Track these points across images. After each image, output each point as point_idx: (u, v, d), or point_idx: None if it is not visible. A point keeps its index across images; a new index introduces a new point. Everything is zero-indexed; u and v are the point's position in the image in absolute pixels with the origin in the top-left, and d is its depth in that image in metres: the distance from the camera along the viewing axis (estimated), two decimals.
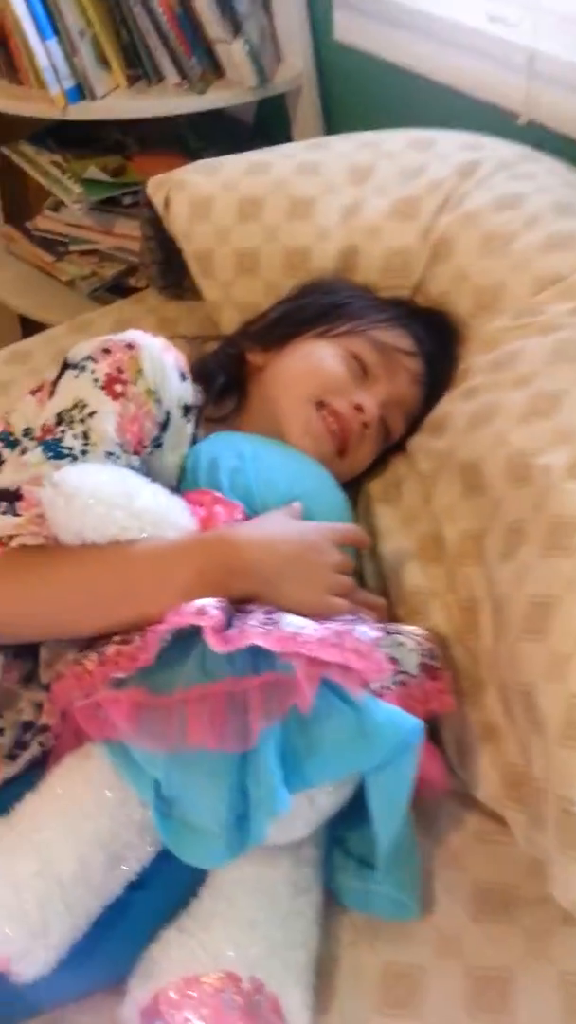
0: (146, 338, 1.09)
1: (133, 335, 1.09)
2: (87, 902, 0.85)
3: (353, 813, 0.92)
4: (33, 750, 0.99)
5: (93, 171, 1.94)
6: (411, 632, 0.99)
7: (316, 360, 1.22)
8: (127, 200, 1.93)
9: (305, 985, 0.87)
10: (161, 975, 0.85)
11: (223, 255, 1.43)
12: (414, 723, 0.87)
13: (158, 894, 0.91)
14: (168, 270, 1.59)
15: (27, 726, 1.01)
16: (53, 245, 2.03)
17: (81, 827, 0.85)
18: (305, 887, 0.92)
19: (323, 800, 0.89)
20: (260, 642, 0.84)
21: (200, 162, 1.51)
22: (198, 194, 1.45)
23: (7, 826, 0.86)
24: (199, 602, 0.89)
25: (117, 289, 1.96)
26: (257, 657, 0.86)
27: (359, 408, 1.20)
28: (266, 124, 2.07)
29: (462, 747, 1.03)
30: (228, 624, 0.88)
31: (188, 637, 0.88)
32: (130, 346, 1.07)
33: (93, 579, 0.95)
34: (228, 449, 1.11)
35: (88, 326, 1.60)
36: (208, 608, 0.88)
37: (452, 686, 1.00)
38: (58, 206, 2.01)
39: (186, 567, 0.95)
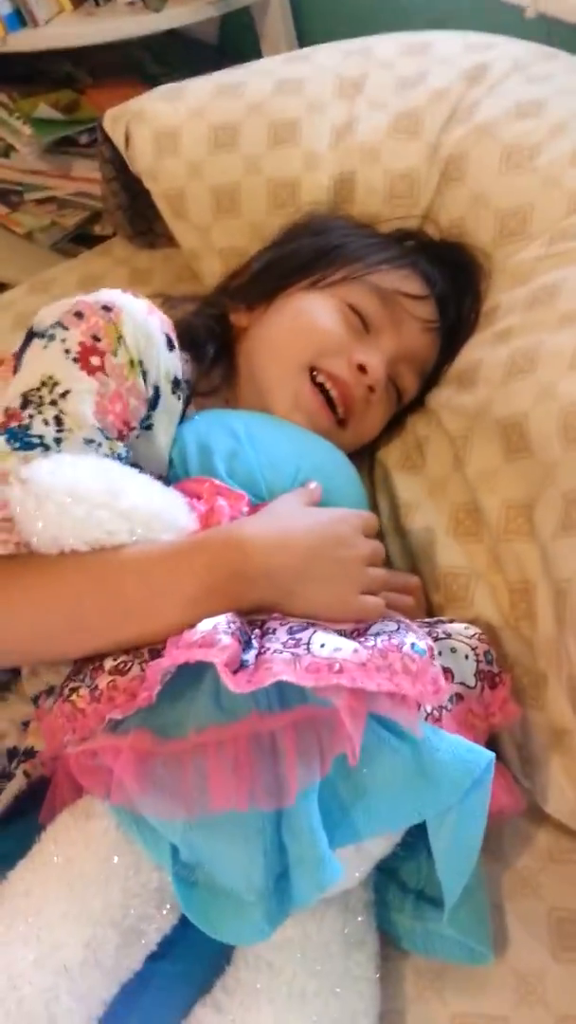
0: (126, 299, 0.91)
1: (110, 295, 0.91)
2: (100, 989, 0.72)
3: (406, 839, 0.80)
4: (18, 781, 0.84)
5: (43, 109, 1.76)
6: (462, 633, 0.84)
7: (306, 317, 1.04)
8: (84, 139, 1.76)
9: None
10: None
11: (197, 194, 1.24)
12: (486, 758, 0.72)
13: (184, 962, 0.77)
14: (136, 215, 1.41)
15: (11, 754, 0.86)
16: (6, 195, 1.85)
17: (87, 904, 0.71)
18: (359, 940, 0.78)
19: (374, 847, 0.76)
20: (288, 677, 0.69)
21: (161, 88, 1.31)
22: (162, 125, 1.26)
23: None
24: (206, 625, 0.74)
25: (82, 239, 1.79)
26: (284, 686, 0.70)
27: (362, 369, 1.03)
28: (232, 43, 1.89)
29: (526, 755, 0.89)
30: (245, 648, 0.73)
31: (197, 663, 0.73)
32: (107, 308, 0.89)
33: (76, 596, 0.79)
34: (218, 429, 0.95)
35: (50, 285, 1.42)
36: (218, 636, 0.72)
37: (512, 687, 0.85)
38: (8, 151, 1.82)
39: (189, 576, 0.79)
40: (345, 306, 1.05)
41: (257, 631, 0.77)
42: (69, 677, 0.81)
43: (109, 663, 0.77)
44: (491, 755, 0.72)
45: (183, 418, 0.98)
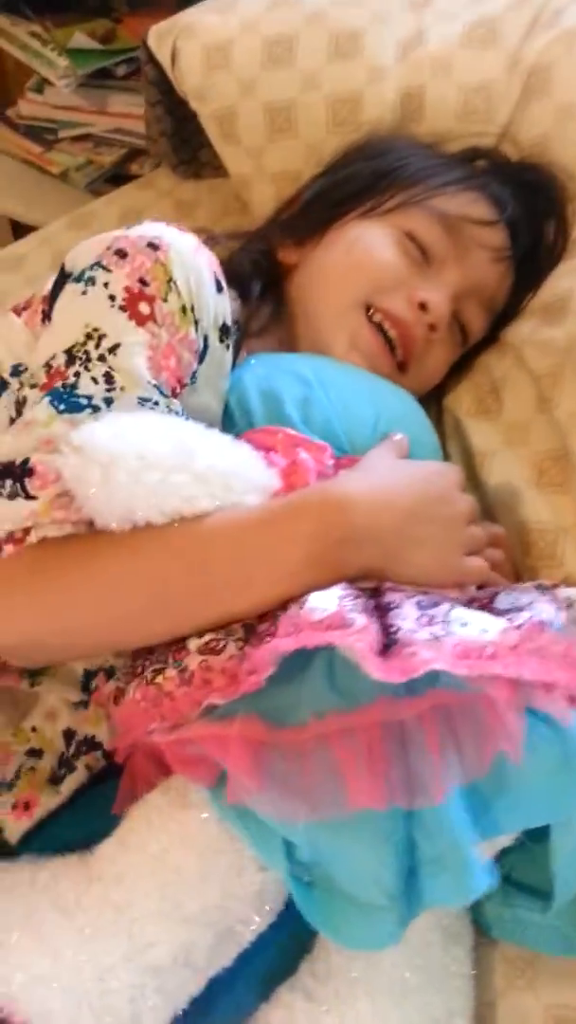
0: (172, 233, 0.80)
1: (155, 230, 0.80)
2: (190, 986, 0.66)
3: None
4: (79, 775, 0.76)
5: (79, 39, 1.65)
6: None
7: (360, 250, 0.94)
8: (121, 70, 1.65)
9: None
10: None
11: (249, 113, 1.13)
12: None
13: (264, 937, 0.69)
14: (181, 142, 1.31)
15: (68, 735, 0.78)
16: (40, 133, 1.74)
17: (183, 905, 0.64)
18: (456, 933, 0.71)
19: (503, 839, 0.68)
20: (442, 665, 0.59)
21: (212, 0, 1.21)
22: (213, 39, 1.15)
23: (85, 875, 0.65)
24: (327, 600, 0.64)
25: (118, 179, 1.68)
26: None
27: (422, 306, 0.92)
28: None
29: None
30: None
31: None
32: (153, 246, 0.78)
33: (159, 576, 0.70)
34: (284, 375, 0.85)
35: (89, 220, 1.32)
36: (347, 613, 0.62)
37: None
38: (42, 86, 1.72)
39: (287, 544, 0.70)
40: (403, 235, 0.94)
41: (370, 602, 0.67)
42: (145, 658, 0.71)
43: (195, 641, 0.68)
44: None
45: (235, 364, 0.88)
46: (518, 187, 1.00)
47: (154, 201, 1.33)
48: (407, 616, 0.64)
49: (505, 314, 1.00)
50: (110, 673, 0.78)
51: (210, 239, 1.03)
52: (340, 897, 0.63)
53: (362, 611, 0.64)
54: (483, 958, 0.73)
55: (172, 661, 0.68)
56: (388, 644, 0.61)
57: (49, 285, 0.82)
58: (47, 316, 0.81)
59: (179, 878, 0.64)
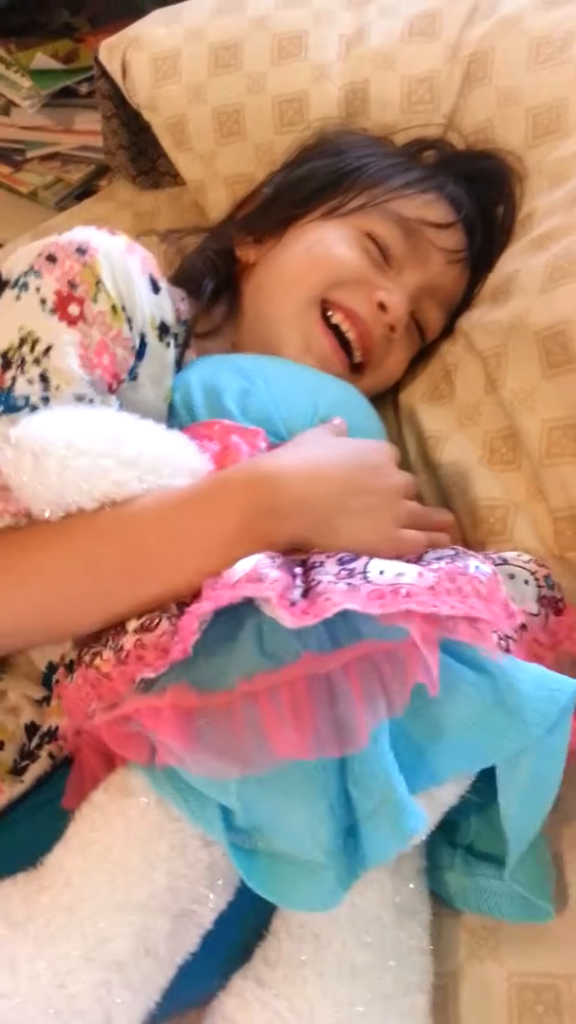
0: (101, 237, 0.81)
1: (84, 234, 0.81)
2: (157, 977, 0.65)
3: None
4: (43, 763, 0.77)
5: (42, 59, 1.67)
6: (518, 559, 0.75)
7: (322, 247, 0.94)
8: (84, 88, 1.66)
9: None
10: None
11: (199, 118, 1.15)
12: (571, 687, 0.63)
13: (218, 926, 0.68)
14: (138, 154, 1.32)
15: (31, 729, 0.79)
16: (9, 155, 1.76)
17: (132, 895, 0.63)
18: (411, 908, 0.69)
19: (445, 793, 0.67)
20: (353, 605, 0.60)
21: (158, 11, 1.23)
22: (160, 49, 1.17)
23: (35, 887, 0.64)
24: (246, 563, 0.66)
25: (87, 196, 1.69)
26: (333, 623, 0.62)
27: (381, 306, 0.93)
28: None
29: None
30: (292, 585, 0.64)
31: (230, 610, 0.65)
32: (81, 250, 0.79)
33: (93, 559, 0.71)
34: (226, 370, 0.87)
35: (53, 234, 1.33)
36: (263, 570, 0.64)
37: None
38: (8, 108, 1.74)
39: (214, 520, 0.71)
40: (364, 235, 0.95)
41: (299, 568, 0.68)
42: (88, 644, 0.73)
43: (133, 623, 0.69)
44: (574, 683, 0.64)
45: (181, 364, 0.89)
46: (469, 178, 1.00)
47: (114, 212, 1.34)
48: (328, 571, 0.65)
49: (460, 305, 1.00)
50: (70, 667, 0.78)
51: (168, 236, 1.04)
52: (281, 860, 0.63)
53: (279, 568, 0.64)
54: (446, 930, 0.72)
55: (110, 643, 0.68)
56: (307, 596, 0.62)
57: None
58: None
59: (124, 868, 0.64)
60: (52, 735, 0.77)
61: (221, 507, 0.71)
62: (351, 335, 0.93)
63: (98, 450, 0.70)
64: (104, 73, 1.25)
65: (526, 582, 0.73)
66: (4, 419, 0.74)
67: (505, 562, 0.74)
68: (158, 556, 0.70)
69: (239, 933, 0.69)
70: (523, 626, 0.71)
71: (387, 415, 1.01)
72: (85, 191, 1.71)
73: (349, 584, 0.62)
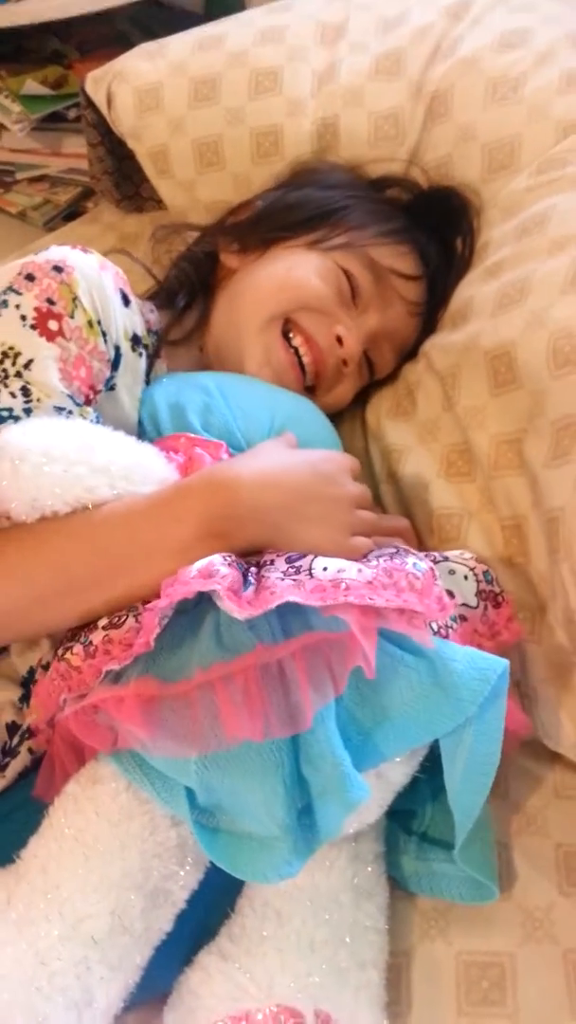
0: (76, 256, 0.87)
1: (60, 253, 0.87)
2: (133, 954, 0.70)
3: (411, 782, 0.77)
4: (23, 758, 0.82)
5: (31, 85, 1.73)
6: (459, 557, 0.82)
7: (300, 272, 1.01)
8: (73, 113, 1.72)
9: (379, 1009, 0.72)
10: (204, 1012, 0.70)
11: (180, 149, 1.21)
12: (500, 665, 0.70)
13: (187, 906, 0.74)
14: (123, 179, 1.39)
15: (12, 728, 0.83)
16: None
17: (105, 874, 0.69)
18: (368, 890, 0.76)
19: (394, 773, 0.73)
20: (294, 597, 0.66)
21: (142, 46, 1.29)
22: (144, 82, 1.23)
23: (13, 878, 0.70)
24: (202, 562, 0.71)
25: (74, 217, 1.75)
26: (287, 618, 0.68)
27: (339, 340, 1.00)
28: (218, 12, 1.83)
29: (526, 690, 0.85)
30: (244, 582, 0.70)
31: (192, 609, 0.71)
32: (58, 268, 0.85)
33: (62, 560, 0.76)
34: (188, 387, 0.93)
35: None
36: (216, 567, 0.70)
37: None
38: None
39: (175, 524, 0.77)
40: (340, 271, 1.02)
41: (253, 568, 0.74)
42: (62, 642, 0.78)
43: (102, 620, 0.75)
44: (505, 662, 0.70)
45: (150, 375, 0.95)
46: (434, 214, 1.07)
47: (99, 235, 1.40)
48: (276, 569, 0.71)
49: (423, 330, 1.07)
50: (46, 668, 0.84)
51: (160, 230, 1.11)
52: (241, 837, 0.69)
53: (230, 566, 0.70)
54: (400, 911, 0.78)
55: (81, 638, 0.74)
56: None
57: None
58: None
59: (97, 850, 0.68)
60: (31, 732, 0.82)
61: (182, 512, 0.77)
62: (306, 359, 1.00)
63: (72, 458, 0.76)
64: (90, 103, 1.31)
65: (465, 577, 0.79)
66: None
67: (446, 559, 0.80)
68: (124, 557, 0.76)
69: (203, 921, 0.74)
70: (463, 617, 0.77)
71: (355, 428, 1.08)
72: (72, 212, 1.76)
73: (295, 580, 0.68)
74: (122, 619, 0.73)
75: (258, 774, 0.66)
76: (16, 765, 0.81)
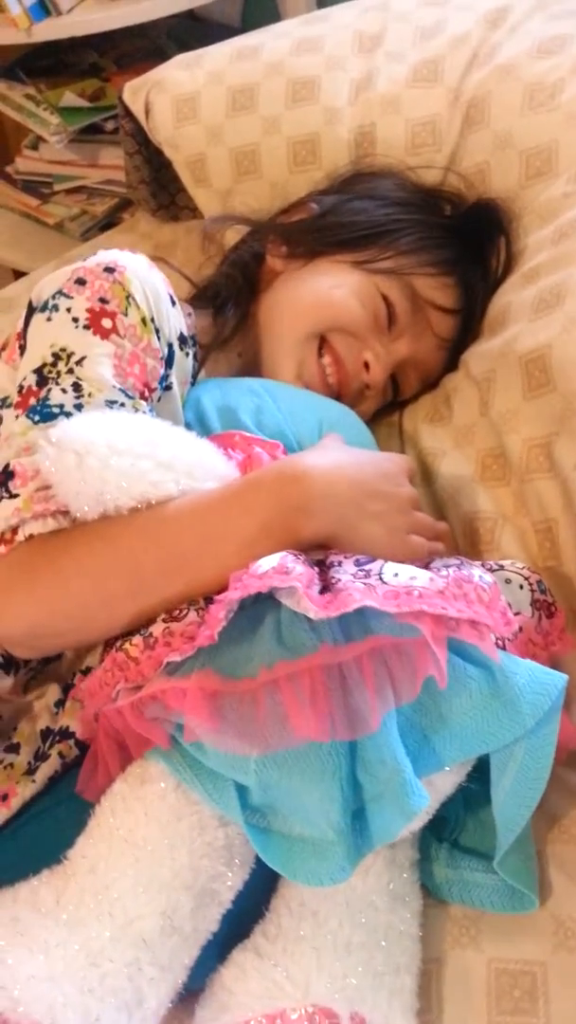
0: (126, 256, 0.88)
1: (109, 256, 0.87)
2: (182, 955, 0.69)
3: None
4: (53, 763, 0.81)
5: (70, 97, 1.75)
6: (512, 566, 0.81)
7: (342, 293, 1.01)
8: (110, 125, 1.74)
9: (412, 1014, 0.71)
10: (239, 1009, 0.69)
11: (217, 158, 1.22)
12: (561, 681, 0.69)
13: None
14: (159, 188, 1.40)
15: (45, 734, 0.83)
16: (37, 187, 1.84)
17: (156, 874, 0.68)
18: (403, 896, 0.74)
19: (444, 782, 0.72)
20: (371, 602, 0.66)
21: (180, 56, 1.30)
22: (181, 92, 1.25)
23: (61, 879, 0.69)
24: (271, 559, 0.71)
25: (111, 228, 1.76)
26: (346, 620, 0.67)
27: (366, 365, 1.00)
28: (255, 26, 1.85)
29: (565, 695, 0.83)
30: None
31: (251, 607, 0.70)
32: (109, 269, 0.85)
33: (133, 557, 0.75)
34: (235, 390, 0.94)
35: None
36: (290, 564, 0.69)
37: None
38: (37, 143, 1.82)
39: (245, 516, 0.76)
40: (380, 296, 1.02)
41: (316, 568, 0.73)
42: (117, 637, 0.77)
43: (163, 615, 0.74)
44: (565, 677, 0.69)
45: (195, 379, 0.96)
46: (477, 232, 1.07)
47: (135, 243, 1.41)
48: (346, 570, 0.70)
49: (462, 342, 1.07)
50: (86, 672, 0.84)
51: (214, 222, 1.15)
52: (293, 839, 0.68)
53: (303, 564, 0.70)
54: (432, 918, 0.77)
55: (140, 631, 0.73)
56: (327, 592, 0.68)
57: (21, 322, 0.90)
58: (23, 349, 0.88)
59: (147, 850, 0.68)
60: (63, 734, 0.82)
61: (252, 505, 0.76)
62: (331, 379, 1.01)
63: (137, 451, 0.75)
64: (128, 113, 1.32)
65: (520, 587, 0.79)
66: (40, 428, 0.79)
67: (502, 568, 0.80)
68: (194, 553, 0.75)
69: (236, 919, 0.73)
70: (519, 628, 0.76)
71: (392, 434, 1.08)
72: (109, 223, 1.78)
73: (366, 583, 0.67)
74: (183, 612, 0.73)
75: (317, 776, 0.66)
76: (46, 769, 0.80)
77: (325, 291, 1.02)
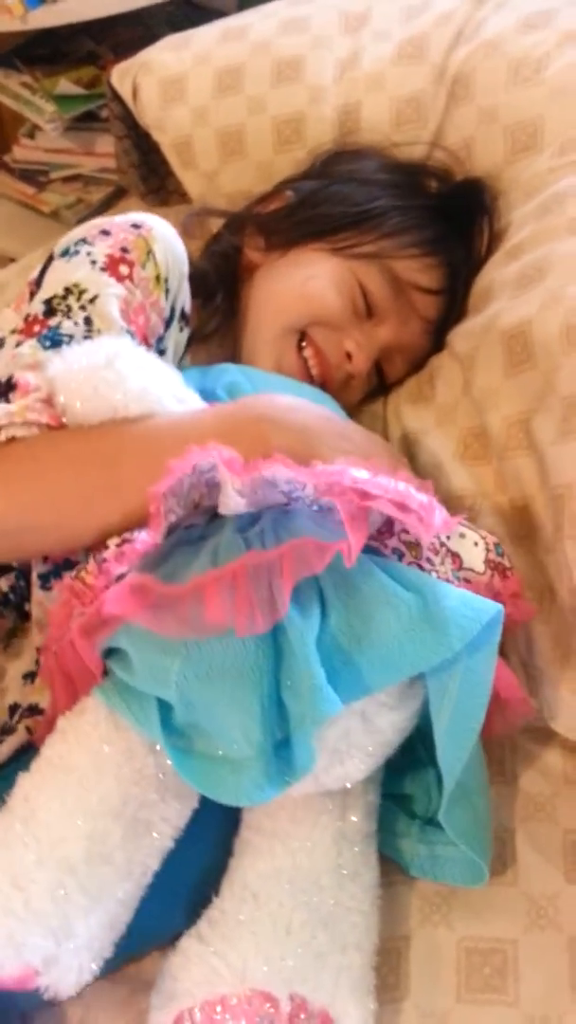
0: (156, 219, 0.90)
1: (140, 215, 0.90)
2: (114, 885, 0.68)
3: (416, 763, 0.79)
4: (19, 736, 0.81)
5: (65, 85, 1.75)
6: (472, 527, 0.80)
7: (316, 286, 1.01)
8: (105, 113, 1.72)
9: (363, 991, 0.70)
10: (183, 996, 0.69)
11: (203, 139, 1.21)
12: (494, 608, 0.68)
13: (167, 888, 0.73)
14: (150, 172, 1.39)
15: (13, 709, 0.83)
16: (33, 176, 1.84)
17: (82, 797, 0.67)
18: (353, 871, 0.73)
19: (381, 720, 0.70)
20: (285, 469, 0.67)
21: (168, 38, 1.30)
22: (168, 74, 1.24)
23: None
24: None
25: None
26: (281, 535, 0.68)
27: (348, 356, 1.00)
28: None
29: (532, 671, 0.83)
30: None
31: (197, 541, 0.70)
32: (136, 225, 0.88)
33: (110, 447, 0.77)
34: (213, 372, 0.94)
35: None
36: (216, 447, 0.70)
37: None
38: (33, 132, 1.82)
39: (218, 422, 0.79)
40: (357, 284, 1.01)
41: None
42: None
43: (114, 540, 0.74)
44: (499, 607, 0.68)
45: (182, 360, 0.96)
46: (461, 209, 1.05)
47: None
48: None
49: (446, 323, 1.05)
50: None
51: (191, 216, 1.14)
52: (215, 760, 0.67)
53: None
54: (400, 895, 0.76)
55: (93, 557, 0.73)
56: None
57: (36, 272, 0.91)
58: (33, 295, 0.89)
59: (75, 775, 0.67)
60: (32, 710, 0.82)
61: (224, 413, 0.80)
62: (314, 371, 1.01)
63: (151, 371, 0.79)
64: (116, 96, 1.32)
65: (475, 544, 0.78)
66: (50, 352, 0.80)
67: (461, 523, 0.78)
68: (171, 453, 0.72)
69: (199, 877, 0.73)
70: (467, 580, 0.76)
71: (375, 412, 1.08)
72: (104, 211, 1.79)
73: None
74: (133, 535, 0.73)
75: (237, 689, 0.65)
76: (12, 742, 0.80)
77: (300, 284, 1.01)
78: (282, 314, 1.01)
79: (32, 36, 1.79)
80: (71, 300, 0.83)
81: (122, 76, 1.29)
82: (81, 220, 1.78)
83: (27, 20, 1.60)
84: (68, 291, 0.83)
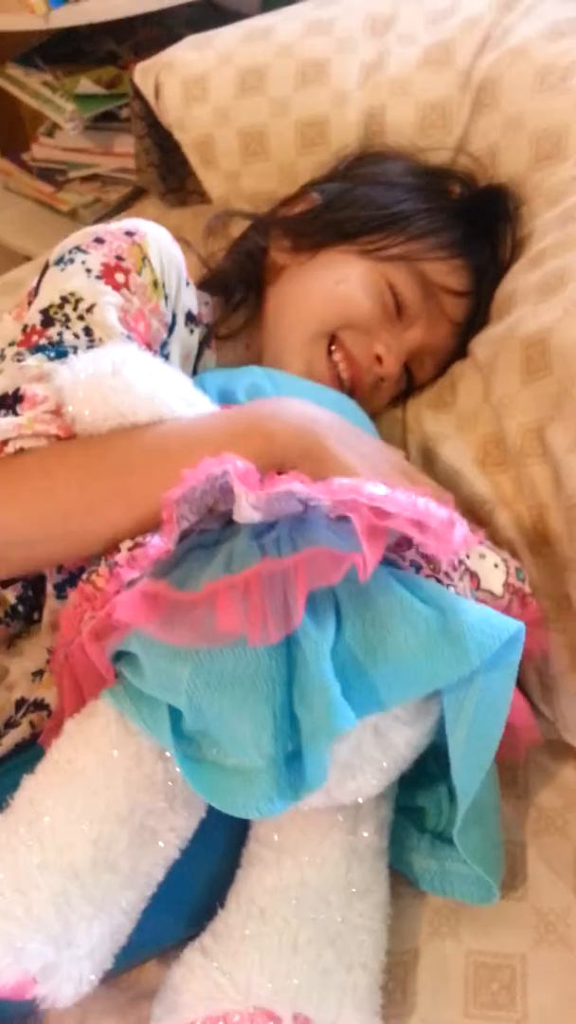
0: (149, 225, 0.89)
1: (133, 222, 0.89)
2: (118, 894, 0.66)
3: (427, 778, 0.78)
4: (22, 730, 0.81)
5: (86, 84, 1.75)
6: (494, 546, 0.79)
7: (346, 288, 0.99)
8: (125, 112, 1.72)
9: (369, 1012, 0.69)
10: (185, 1009, 0.68)
11: (225, 139, 1.20)
12: (514, 626, 0.66)
13: (173, 899, 0.71)
14: (169, 172, 1.38)
15: (20, 704, 0.83)
16: (51, 175, 1.84)
17: (89, 802, 0.66)
18: (364, 888, 0.72)
19: (396, 736, 0.69)
20: (300, 486, 0.65)
21: (191, 37, 1.29)
22: (191, 73, 1.23)
23: (4, 815, 0.68)
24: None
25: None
26: (297, 542, 0.66)
27: (378, 359, 0.98)
28: None
29: (547, 681, 0.83)
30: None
31: (212, 546, 0.70)
32: (130, 233, 0.87)
33: (118, 453, 0.77)
34: (237, 374, 0.93)
35: None
36: (231, 458, 0.68)
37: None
38: (53, 131, 1.82)
39: (226, 424, 0.78)
40: (387, 286, 1.00)
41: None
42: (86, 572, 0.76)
43: (127, 543, 0.73)
44: (521, 624, 0.67)
45: (199, 364, 0.95)
46: (486, 215, 1.04)
47: None
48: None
49: (471, 326, 1.04)
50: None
51: (216, 217, 1.13)
52: (226, 768, 0.66)
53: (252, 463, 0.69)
54: (410, 909, 0.75)
55: (105, 561, 0.72)
56: None
57: (35, 281, 0.90)
58: (31, 304, 0.88)
59: (82, 780, 0.66)
60: (37, 705, 0.81)
61: (233, 416, 0.79)
62: (344, 375, 1.00)
63: (146, 372, 0.78)
64: (138, 94, 1.31)
65: (495, 565, 0.77)
66: (57, 362, 0.79)
67: (482, 543, 0.77)
68: (178, 456, 0.72)
69: (203, 888, 0.72)
70: (484, 603, 0.74)
71: (394, 417, 1.07)
72: (122, 211, 1.78)
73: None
74: (146, 539, 0.72)
75: (249, 699, 0.64)
76: (15, 735, 0.80)
77: (330, 287, 1.00)
78: (313, 317, 1.00)
79: (54, 35, 1.79)
80: (68, 309, 0.82)
81: (145, 74, 1.28)
82: (98, 220, 1.78)
83: (49, 19, 1.60)
84: (64, 300, 0.83)
